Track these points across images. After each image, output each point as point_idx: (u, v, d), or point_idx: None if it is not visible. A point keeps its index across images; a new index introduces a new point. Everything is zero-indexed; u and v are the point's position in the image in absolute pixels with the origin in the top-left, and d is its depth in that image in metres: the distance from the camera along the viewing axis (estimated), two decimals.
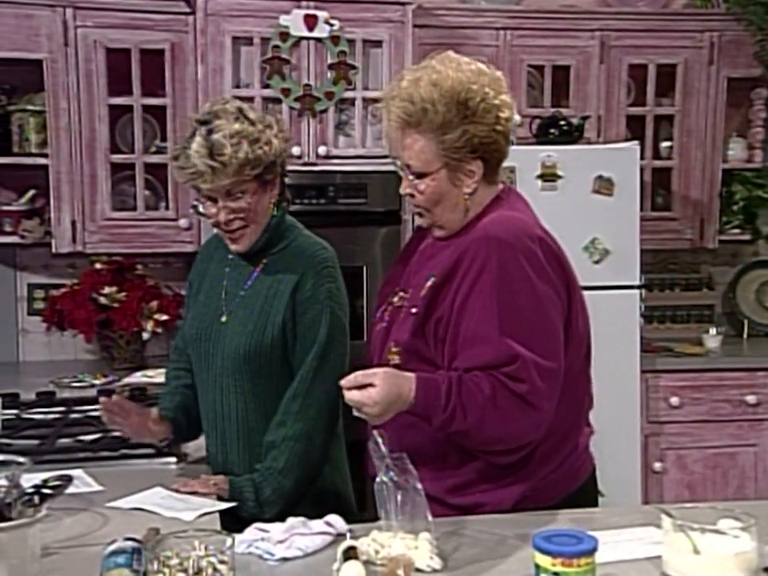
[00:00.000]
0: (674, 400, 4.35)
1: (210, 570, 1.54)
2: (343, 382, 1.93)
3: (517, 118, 2.70)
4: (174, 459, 2.55)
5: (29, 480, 1.69)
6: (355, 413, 1.94)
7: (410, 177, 2.10)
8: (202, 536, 1.59)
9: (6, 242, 4.18)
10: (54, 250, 4.10)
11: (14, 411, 3.04)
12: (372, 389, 1.90)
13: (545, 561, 1.51)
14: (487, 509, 2.07)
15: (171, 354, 2.69)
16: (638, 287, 4.17)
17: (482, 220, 2.08)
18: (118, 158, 4.15)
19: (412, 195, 2.12)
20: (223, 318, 2.41)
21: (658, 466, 4.35)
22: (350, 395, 1.93)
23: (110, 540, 1.59)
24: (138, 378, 3.70)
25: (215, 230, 2.43)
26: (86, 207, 4.08)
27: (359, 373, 1.95)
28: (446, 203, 2.11)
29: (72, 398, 3.33)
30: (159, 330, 4.13)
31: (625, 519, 2.01)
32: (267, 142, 2.29)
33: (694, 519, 1.60)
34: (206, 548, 1.56)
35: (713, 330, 4.75)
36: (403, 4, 4.08)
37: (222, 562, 1.56)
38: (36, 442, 2.68)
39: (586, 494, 2.17)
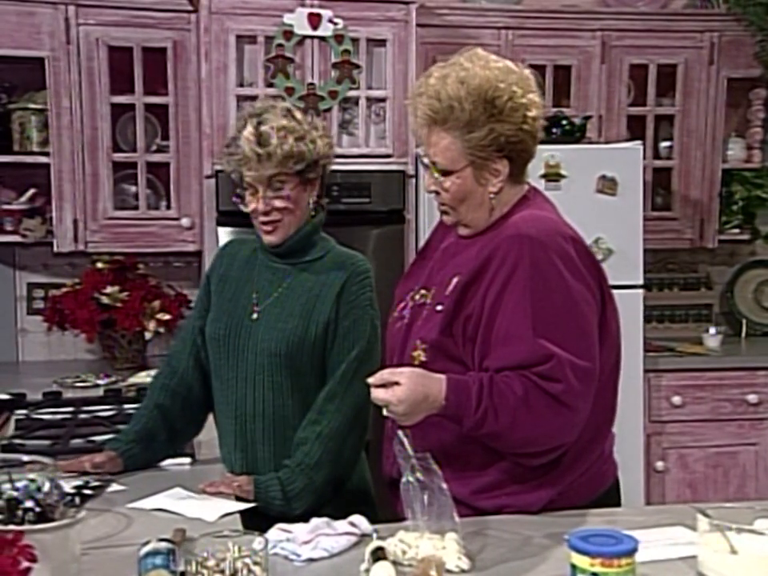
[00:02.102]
0: (676, 399, 4.36)
1: (245, 571, 1.54)
2: (371, 380, 1.93)
3: None
4: (188, 460, 2.53)
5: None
6: (385, 412, 1.93)
7: (436, 174, 2.09)
8: (236, 537, 1.59)
9: (7, 240, 4.15)
10: (55, 250, 4.08)
11: (24, 411, 3.02)
12: (397, 387, 1.89)
13: (583, 561, 1.49)
14: (513, 511, 2.05)
15: (168, 360, 2.61)
16: (641, 287, 4.17)
17: (510, 219, 2.07)
18: (119, 156, 4.13)
19: (437, 192, 2.11)
20: (254, 316, 2.42)
21: (660, 465, 4.36)
22: (376, 393, 1.92)
23: (144, 541, 1.58)
24: (142, 377, 3.67)
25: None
26: (88, 206, 4.07)
27: (386, 371, 1.95)
28: (470, 202, 2.09)
29: (80, 398, 3.31)
30: (161, 330, 4.12)
31: (652, 519, 2.00)
32: (312, 141, 2.37)
33: (729, 519, 1.59)
34: (239, 549, 1.56)
35: (712, 330, 4.75)
36: (407, 3, 4.06)
37: (255, 563, 1.56)
38: (48, 442, 2.66)
39: (609, 500, 2.15)
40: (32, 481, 1.49)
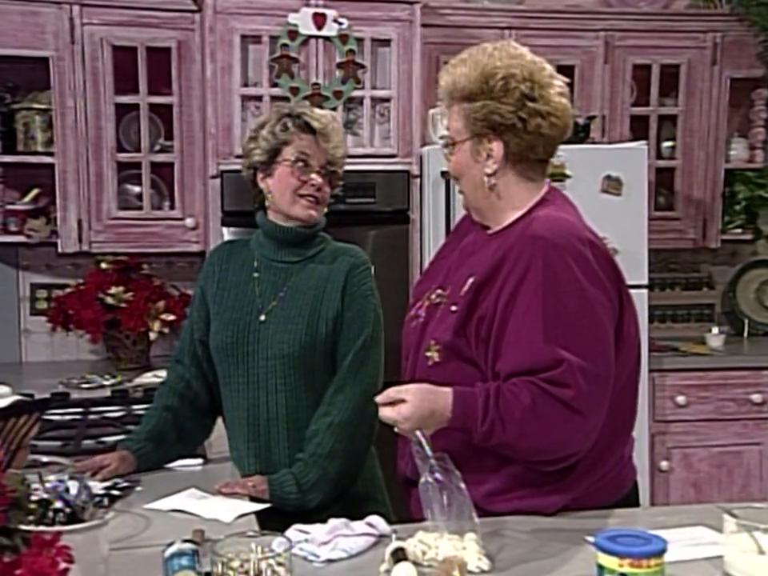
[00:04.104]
0: (681, 399, 4.37)
1: (269, 572, 1.53)
2: (378, 399, 1.93)
3: None
4: (200, 460, 2.53)
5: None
6: (395, 428, 1.93)
7: (446, 149, 2.15)
8: (258, 538, 1.58)
9: (12, 241, 4.14)
10: (60, 250, 4.07)
11: None
12: (403, 405, 1.88)
13: (611, 561, 1.47)
14: (527, 514, 2.02)
15: (172, 366, 2.61)
16: (646, 287, 4.17)
17: (527, 219, 2.05)
18: (124, 156, 4.12)
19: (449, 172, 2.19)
20: (262, 318, 2.43)
21: (664, 464, 4.36)
22: (383, 411, 1.92)
23: (168, 542, 1.57)
24: (149, 378, 3.67)
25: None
26: (92, 206, 4.07)
27: (392, 389, 1.93)
28: (467, 178, 2.13)
29: (88, 399, 3.30)
30: (166, 330, 4.11)
31: (671, 519, 1.98)
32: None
33: (756, 519, 1.58)
34: (262, 549, 1.56)
35: (715, 330, 4.77)
36: (411, 3, 4.05)
37: (279, 563, 1.55)
38: (59, 443, 2.66)
39: (627, 504, 2.12)
40: (60, 482, 1.49)
